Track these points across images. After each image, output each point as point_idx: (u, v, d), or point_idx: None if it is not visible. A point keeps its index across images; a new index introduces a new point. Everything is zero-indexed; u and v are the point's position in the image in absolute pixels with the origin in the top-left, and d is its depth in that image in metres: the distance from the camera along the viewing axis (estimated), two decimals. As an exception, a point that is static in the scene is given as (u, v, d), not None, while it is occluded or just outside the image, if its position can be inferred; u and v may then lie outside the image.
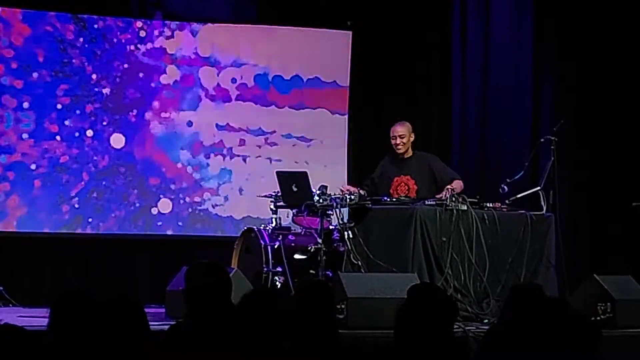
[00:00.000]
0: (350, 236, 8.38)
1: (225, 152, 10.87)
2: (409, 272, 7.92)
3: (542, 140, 9.18)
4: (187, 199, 10.77)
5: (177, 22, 10.73)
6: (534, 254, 8.54)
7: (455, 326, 5.50)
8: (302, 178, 8.76)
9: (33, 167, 10.29)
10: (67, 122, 10.40)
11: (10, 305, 9.53)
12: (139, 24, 10.62)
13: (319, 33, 11.13)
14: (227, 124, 10.88)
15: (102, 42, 10.49)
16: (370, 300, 7.28)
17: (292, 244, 8.91)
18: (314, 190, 8.60)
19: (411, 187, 8.78)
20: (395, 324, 3.87)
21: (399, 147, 8.84)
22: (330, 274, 8.36)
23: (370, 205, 8.48)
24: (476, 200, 8.45)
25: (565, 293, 8.57)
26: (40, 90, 10.32)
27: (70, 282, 9.99)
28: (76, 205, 10.42)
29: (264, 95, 10.98)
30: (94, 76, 10.48)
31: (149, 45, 10.65)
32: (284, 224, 9.21)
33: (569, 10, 10.84)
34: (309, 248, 8.75)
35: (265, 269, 8.74)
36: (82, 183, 10.45)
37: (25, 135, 10.29)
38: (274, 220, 9.12)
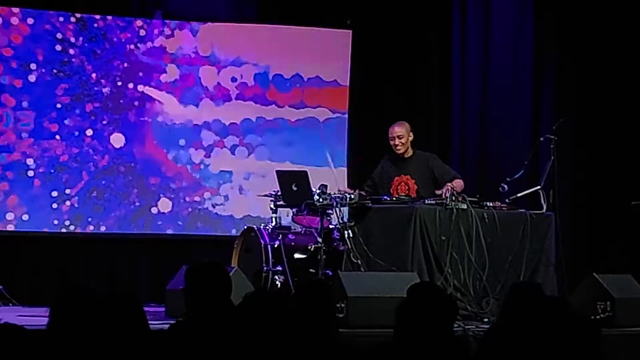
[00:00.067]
0: (350, 235, 8.38)
1: (225, 151, 10.87)
2: (408, 271, 7.93)
3: (541, 139, 9.18)
4: (187, 198, 10.78)
5: (177, 21, 10.73)
6: (533, 253, 8.54)
7: (455, 325, 5.50)
8: (302, 177, 8.77)
9: (33, 166, 10.29)
10: (66, 122, 10.40)
11: (10, 304, 9.53)
12: (139, 23, 10.62)
13: (319, 32, 11.13)
14: (227, 123, 10.88)
15: (102, 41, 10.49)
16: (370, 299, 7.28)
17: (292, 243, 8.91)
18: (314, 190, 8.60)
19: (411, 186, 8.78)
20: (395, 323, 3.87)
21: (398, 147, 8.84)
22: (330, 273, 8.36)
23: (370, 204, 8.49)
24: (476, 199, 8.45)
25: (565, 292, 8.57)
26: (40, 90, 10.31)
27: (70, 281, 9.98)
28: (76, 205, 10.42)
29: (264, 95, 10.98)
30: (93, 75, 10.48)
31: (149, 45, 10.65)
32: (284, 223, 9.21)
33: (569, 10, 10.84)
34: (309, 247, 8.75)
35: (265, 268, 8.75)
36: (82, 182, 10.45)
37: (24, 135, 10.29)
38: (274, 219, 9.13)
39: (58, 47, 10.35)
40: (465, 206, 8.28)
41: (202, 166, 10.83)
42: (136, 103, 10.62)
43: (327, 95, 11.12)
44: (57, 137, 10.37)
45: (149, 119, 10.67)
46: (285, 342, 3.81)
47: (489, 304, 8.17)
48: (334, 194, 8.56)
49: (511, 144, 10.79)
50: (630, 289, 8.02)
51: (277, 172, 9.24)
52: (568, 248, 9.38)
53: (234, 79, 10.90)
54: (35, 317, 6.52)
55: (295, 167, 10.30)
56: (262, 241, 8.86)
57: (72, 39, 10.40)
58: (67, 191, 10.39)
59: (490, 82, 11.06)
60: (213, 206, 10.85)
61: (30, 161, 10.28)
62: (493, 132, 11.04)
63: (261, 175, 10.82)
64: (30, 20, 10.29)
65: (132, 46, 10.59)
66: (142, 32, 10.63)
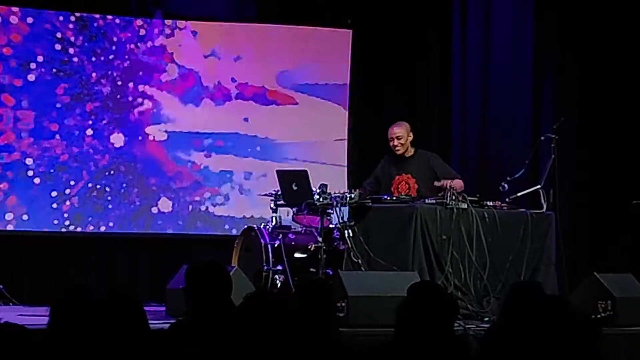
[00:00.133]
0: (351, 235, 8.38)
1: (225, 150, 10.87)
2: (409, 270, 7.92)
3: (542, 138, 9.18)
4: (188, 198, 10.77)
5: (177, 21, 10.73)
6: (534, 252, 8.54)
7: (456, 324, 5.50)
8: (302, 177, 8.76)
9: (32, 166, 10.28)
10: (67, 121, 10.40)
11: (11, 304, 9.53)
12: (139, 22, 10.62)
13: (319, 32, 11.13)
14: (227, 122, 10.88)
15: (102, 41, 10.49)
16: (370, 298, 7.28)
17: (293, 243, 8.91)
18: (314, 189, 8.60)
19: (412, 185, 8.78)
20: (396, 322, 3.86)
21: (397, 148, 8.84)
22: (331, 273, 8.36)
23: (370, 203, 8.48)
24: (476, 199, 8.46)
25: (566, 291, 8.57)
26: (40, 89, 10.31)
27: (70, 281, 9.98)
28: (76, 205, 10.41)
29: (264, 94, 10.97)
30: (93, 75, 10.47)
31: (149, 44, 10.65)
32: (284, 222, 9.21)
33: (569, 10, 10.84)
34: (309, 247, 8.74)
35: (265, 268, 8.74)
36: (82, 182, 10.44)
37: (24, 134, 10.28)
38: (274, 219, 9.12)
39: (58, 47, 10.35)
40: (465, 205, 8.28)
41: (202, 166, 10.83)
42: (136, 102, 10.62)
43: (328, 95, 11.12)
44: (57, 136, 10.36)
45: (150, 119, 10.66)
46: (286, 341, 3.81)
47: (489, 303, 8.17)
48: (334, 193, 8.56)
49: (511, 144, 10.79)
50: (631, 288, 8.02)
51: (277, 171, 9.23)
52: (569, 247, 9.37)
53: (234, 79, 10.89)
54: (35, 317, 6.52)
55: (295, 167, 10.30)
56: (262, 240, 8.85)
57: (72, 39, 10.39)
58: (67, 191, 10.38)
59: (490, 82, 11.06)
60: (213, 206, 10.84)
61: (29, 161, 10.28)
62: (493, 132, 11.04)
63: (261, 175, 10.82)
64: (29, 20, 10.28)
65: (132, 46, 10.59)
66: (142, 32, 10.63)
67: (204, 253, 9.71)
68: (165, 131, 10.71)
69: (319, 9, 11.10)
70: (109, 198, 10.52)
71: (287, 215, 9.27)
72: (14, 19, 10.26)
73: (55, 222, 10.35)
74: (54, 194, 10.34)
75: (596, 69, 10.79)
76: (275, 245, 8.81)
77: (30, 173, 10.28)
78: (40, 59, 10.30)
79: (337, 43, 11.14)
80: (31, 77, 10.28)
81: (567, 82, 10.94)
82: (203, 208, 10.82)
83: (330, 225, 8.80)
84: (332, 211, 8.63)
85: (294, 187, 8.78)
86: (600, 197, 10.70)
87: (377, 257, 8.21)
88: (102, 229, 10.50)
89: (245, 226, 9.38)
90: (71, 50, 10.39)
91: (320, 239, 8.58)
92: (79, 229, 10.43)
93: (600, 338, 4.10)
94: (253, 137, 10.95)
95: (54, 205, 10.35)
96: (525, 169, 9.00)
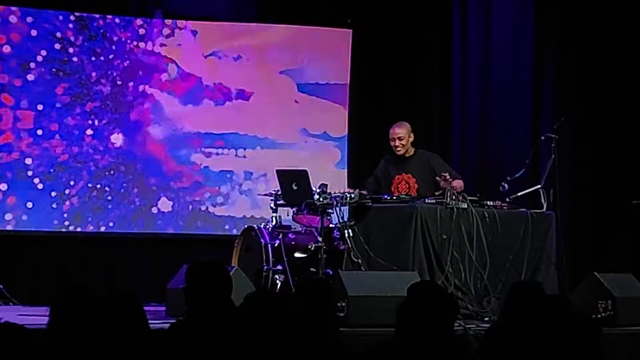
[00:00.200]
0: (351, 234, 8.38)
1: (225, 150, 10.87)
2: (409, 270, 7.92)
3: (542, 138, 9.18)
4: (188, 198, 10.77)
5: (177, 21, 10.73)
6: (534, 252, 8.54)
7: (456, 324, 5.50)
8: (302, 176, 8.76)
9: (32, 166, 10.28)
10: (66, 121, 10.39)
11: (11, 303, 9.53)
12: (139, 22, 10.62)
13: (319, 31, 11.13)
14: (228, 122, 10.87)
15: (102, 41, 10.49)
16: (370, 298, 7.28)
17: (293, 243, 8.91)
18: (314, 189, 8.60)
19: (412, 185, 8.78)
20: (396, 322, 3.86)
21: (398, 149, 8.85)
22: (331, 272, 8.36)
23: (370, 203, 8.48)
24: (476, 199, 8.46)
25: (566, 291, 8.57)
26: (40, 89, 10.31)
27: (70, 281, 9.97)
28: (76, 204, 10.41)
29: (264, 94, 10.96)
30: (93, 74, 10.47)
31: (149, 44, 10.64)
32: (284, 222, 9.21)
33: (569, 10, 10.84)
34: (310, 246, 8.74)
35: (265, 268, 8.74)
36: (82, 182, 10.44)
37: (24, 134, 10.28)
38: (274, 218, 9.12)
39: (57, 46, 10.35)
40: (465, 205, 8.28)
41: (202, 166, 10.82)
42: (136, 102, 10.62)
43: (328, 94, 11.11)
44: (57, 136, 10.36)
45: (150, 119, 10.66)
46: (286, 341, 3.81)
47: (489, 303, 8.17)
48: (334, 193, 8.56)
49: (511, 144, 10.79)
50: (631, 288, 8.02)
51: (278, 171, 9.23)
52: (569, 247, 9.37)
53: (234, 79, 10.89)
54: (35, 317, 6.52)
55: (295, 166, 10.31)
56: (262, 240, 8.85)
57: (72, 38, 10.39)
58: (67, 191, 10.38)
59: (490, 82, 11.06)
60: (213, 206, 10.84)
61: (29, 161, 10.27)
62: (493, 132, 11.04)
63: (261, 175, 10.82)
64: (29, 19, 10.28)
65: (132, 45, 10.59)
66: (142, 32, 10.63)
67: (204, 253, 9.72)
68: (165, 131, 10.71)
69: (319, 9, 11.10)
70: (109, 198, 10.52)
71: (287, 215, 9.27)
72: (13, 19, 10.25)
73: (55, 222, 10.35)
74: (53, 194, 10.33)
75: (596, 69, 10.79)
76: (275, 245, 8.81)
77: (30, 173, 10.28)
78: (40, 58, 10.29)
79: (337, 43, 11.14)
80: (31, 77, 10.28)
81: (567, 82, 10.94)
82: (203, 208, 10.82)
83: (330, 225, 8.80)
84: (332, 211, 8.63)
85: (294, 187, 8.78)
86: (600, 197, 10.70)
87: (377, 257, 8.21)
88: (102, 229, 10.50)
89: (245, 226, 9.38)
90: (71, 50, 10.39)
91: (320, 239, 8.58)
92: (79, 229, 10.42)
93: (600, 338, 4.10)
94: (253, 137, 10.95)
95: (54, 205, 10.34)
96: (526, 169, 9.00)
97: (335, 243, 8.80)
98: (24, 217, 10.25)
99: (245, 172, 10.93)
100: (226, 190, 10.89)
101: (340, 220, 8.53)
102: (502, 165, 10.34)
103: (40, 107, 10.30)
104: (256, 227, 9.03)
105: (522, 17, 11.02)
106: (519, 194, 8.82)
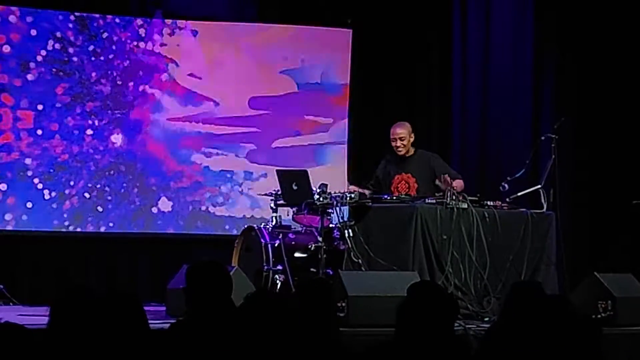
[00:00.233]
0: (351, 234, 8.38)
1: (225, 150, 10.87)
2: (409, 270, 7.92)
3: (542, 138, 9.18)
4: (188, 198, 10.77)
5: (178, 21, 10.72)
6: (534, 252, 8.54)
7: (456, 324, 5.50)
8: (302, 176, 8.76)
9: (32, 165, 10.28)
10: (66, 121, 10.39)
11: (11, 303, 9.52)
12: (139, 22, 10.62)
13: (319, 31, 11.13)
14: (228, 122, 10.87)
15: (102, 41, 10.48)
16: (370, 298, 7.28)
17: (293, 243, 8.91)
18: (314, 189, 8.60)
19: (411, 185, 8.78)
20: (396, 322, 3.86)
21: (400, 149, 8.85)
22: (331, 272, 8.35)
23: (370, 203, 8.48)
24: (477, 199, 8.46)
25: (566, 291, 8.57)
26: (40, 89, 10.30)
27: (70, 281, 9.97)
28: (76, 205, 10.41)
29: (264, 94, 10.96)
30: (93, 74, 10.47)
31: (149, 44, 10.64)
32: (284, 222, 9.21)
33: (569, 10, 10.84)
34: (310, 246, 8.74)
35: (265, 268, 8.74)
36: (82, 182, 10.44)
37: (24, 134, 10.28)
38: (274, 218, 9.12)
39: (57, 46, 10.34)
40: (466, 205, 8.28)
41: (202, 166, 10.82)
42: (136, 102, 10.62)
43: (328, 94, 11.11)
44: (57, 136, 10.36)
45: (150, 118, 10.66)
46: (286, 341, 3.81)
47: (489, 303, 8.17)
48: (335, 192, 8.56)
49: (511, 144, 10.79)
50: (631, 288, 8.02)
51: (278, 171, 9.24)
52: (569, 247, 9.37)
53: (234, 79, 10.88)
54: (35, 317, 6.52)
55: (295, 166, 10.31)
56: (262, 240, 8.85)
57: (72, 38, 10.39)
58: (67, 191, 10.38)
59: (490, 82, 11.06)
60: (213, 206, 10.84)
61: (29, 161, 10.27)
62: (493, 132, 11.04)
63: (261, 175, 10.82)
64: (29, 19, 10.28)
65: (132, 45, 10.58)
66: (142, 32, 10.63)
67: (204, 253, 9.72)
68: (165, 131, 10.71)
69: (319, 9, 11.10)
70: (109, 198, 10.52)
71: (287, 215, 9.27)
72: (13, 18, 10.25)
73: (55, 222, 10.34)
74: (53, 194, 10.33)
75: (596, 69, 10.79)
76: (276, 245, 8.81)
77: (30, 173, 10.27)
78: (39, 58, 10.29)
79: (337, 43, 11.14)
80: (31, 77, 10.27)
81: (567, 82, 10.94)
82: (203, 208, 10.82)
83: (331, 225, 8.80)
84: (332, 211, 8.63)
85: (294, 187, 8.78)
86: (600, 197, 10.70)
87: (377, 257, 8.21)
88: (102, 229, 10.50)
89: (245, 226, 9.38)
90: (71, 50, 10.39)
91: (320, 239, 8.58)
92: (79, 229, 10.42)
93: (600, 338, 4.10)
94: (253, 136, 10.94)
95: (54, 205, 10.34)
96: (526, 169, 9.00)
97: (335, 243, 8.80)
98: (24, 217, 10.25)
99: (245, 172, 10.93)
100: (226, 190, 10.89)
101: (340, 220, 8.53)
102: (502, 165, 10.34)
103: (40, 107, 10.30)
104: (256, 227, 9.03)
105: (522, 17, 11.02)
106: (519, 194, 8.82)
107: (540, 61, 10.99)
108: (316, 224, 8.72)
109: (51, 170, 10.34)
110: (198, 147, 10.80)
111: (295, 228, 9.14)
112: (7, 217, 10.22)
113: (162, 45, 10.68)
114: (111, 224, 10.52)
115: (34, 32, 10.27)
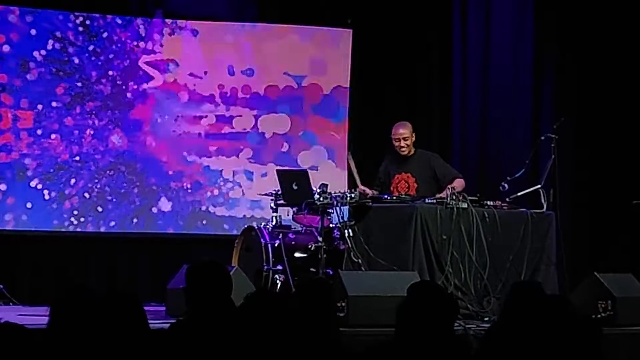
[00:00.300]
0: (351, 234, 8.38)
1: (225, 150, 10.87)
2: (409, 270, 7.92)
3: (542, 138, 9.18)
4: (188, 198, 10.77)
5: (178, 20, 10.72)
6: (534, 252, 8.54)
7: (456, 324, 5.49)
8: (302, 176, 8.77)
9: (32, 166, 10.27)
10: (66, 121, 10.39)
11: (11, 303, 9.52)
12: (140, 22, 10.62)
13: (320, 31, 11.13)
14: (228, 122, 10.87)
15: (102, 40, 10.48)
16: (370, 298, 7.28)
17: (293, 242, 8.91)
18: (314, 189, 8.60)
19: (411, 184, 8.78)
20: (396, 322, 3.86)
21: (403, 149, 8.85)
22: (331, 272, 8.35)
23: (370, 203, 8.48)
24: (476, 199, 8.46)
25: (566, 291, 8.57)
26: (40, 89, 10.30)
27: (70, 281, 9.97)
28: (76, 204, 10.41)
29: (264, 94, 10.96)
30: (93, 74, 10.47)
31: (150, 44, 10.64)
32: (284, 222, 9.21)
33: (569, 10, 10.84)
34: (310, 246, 8.74)
35: (265, 268, 8.74)
36: (82, 182, 10.44)
37: (23, 134, 10.27)
38: (274, 218, 9.13)
39: (57, 46, 10.34)
40: (465, 205, 8.28)
41: (202, 166, 10.82)
42: (136, 102, 10.62)
43: (328, 94, 11.11)
44: (57, 136, 10.35)
45: (150, 118, 10.66)
46: (286, 341, 3.81)
47: (489, 303, 8.17)
48: (334, 193, 8.56)
49: (511, 144, 10.79)
50: (631, 288, 8.02)
51: (278, 171, 9.24)
52: (569, 247, 9.37)
53: (234, 79, 10.88)
54: (35, 317, 6.52)
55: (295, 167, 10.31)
56: (262, 240, 8.85)
57: (72, 38, 10.39)
58: (67, 191, 10.38)
59: (490, 82, 11.06)
60: (213, 206, 10.84)
61: (28, 161, 10.26)
62: (493, 132, 11.04)
63: (261, 175, 10.82)
64: (29, 18, 10.28)
65: (132, 45, 10.58)
66: (143, 31, 10.62)
67: (204, 253, 9.71)
68: (166, 131, 10.70)
69: (319, 9, 11.10)
70: (109, 198, 10.51)
71: (287, 215, 9.27)
72: (13, 18, 10.25)
73: (55, 222, 10.34)
74: (53, 194, 10.33)
75: (596, 69, 10.79)
76: (276, 245, 8.81)
77: (30, 173, 10.27)
78: (39, 58, 10.29)
79: (337, 43, 11.14)
80: (30, 77, 10.27)
81: (567, 82, 10.94)
82: (203, 208, 10.81)
83: (331, 225, 8.80)
84: (332, 211, 8.63)
85: (294, 187, 8.78)
86: (600, 197, 10.70)
87: (377, 256, 8.21)
88: (102, 229, 10.50)
89: (245, 226, 9.38)
90: (71, 50, 10.39)
91: (320, 239, 8.58)
92: (78, 229, 10.42)
93: (600, 338, 4.10)
94: (253, 136, 10.94)
95: (54, 205, 10.34)
96: (526, 168, 9.00)
97: (335, 243, 8.80)
98: (24, 217, 10.25)
99: (245, 172, 10.92)
100: (226, 190, 10.88)
101: (340, 220, 8.53)
102: (502, 165, 10.34)
103: (40, 107, 10.30)
104: (256, 227, 9.03)
105: (522, 17, 11.01)
106: (519, 194, 8.82)
107: (540, 61, 10.99)
108: (316, 224, 8.72)
109: (51, 170, 10.34)
110: (198, 147, 10.80)
111: (295, 228, 9.14)
112: (7, 217, 10.21)
113: (162, 45, 10.68)
114: (111, 224, 10.52)
115: (33, 32, 10.27)
